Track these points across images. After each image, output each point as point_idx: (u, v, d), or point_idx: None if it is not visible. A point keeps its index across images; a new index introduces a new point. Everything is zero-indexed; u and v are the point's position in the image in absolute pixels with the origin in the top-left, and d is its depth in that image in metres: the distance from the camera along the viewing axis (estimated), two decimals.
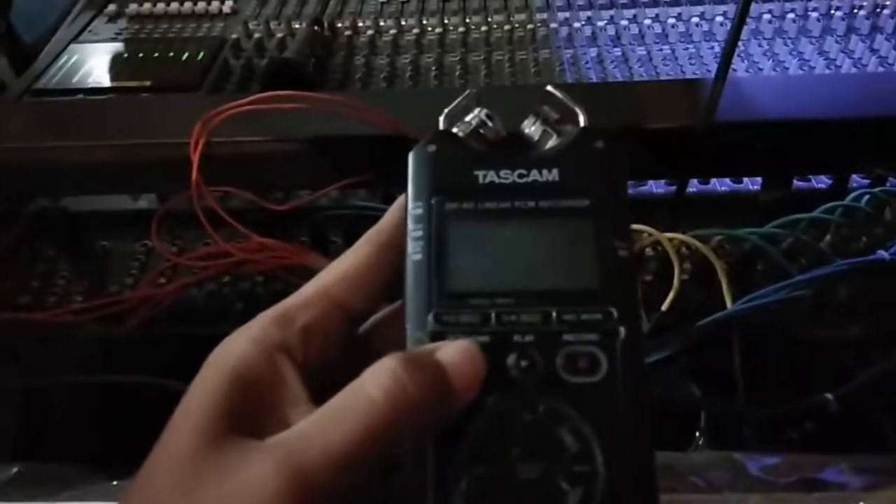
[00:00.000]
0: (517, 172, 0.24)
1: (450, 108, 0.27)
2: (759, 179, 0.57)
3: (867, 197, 0.48)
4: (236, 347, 0.22)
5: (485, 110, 0.26)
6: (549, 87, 0.27)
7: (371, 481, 0.20)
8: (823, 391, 0.43)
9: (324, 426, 0.19)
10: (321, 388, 0.21)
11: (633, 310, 0.22)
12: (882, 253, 0.44)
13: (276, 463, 0.19)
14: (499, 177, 0.24)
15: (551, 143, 0.26)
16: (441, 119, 0.26)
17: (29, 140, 0.54)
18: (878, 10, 0.74)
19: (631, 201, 0.24)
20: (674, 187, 0.53)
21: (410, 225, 0.24)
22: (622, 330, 0.22)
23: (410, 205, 0.24)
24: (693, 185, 0.57)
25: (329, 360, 0.23)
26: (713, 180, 0.59)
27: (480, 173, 0.24)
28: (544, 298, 0.22)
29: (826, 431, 0.46)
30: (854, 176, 0.55)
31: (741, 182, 0.58)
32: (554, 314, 0.22)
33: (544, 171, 0.24)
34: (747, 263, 0.49)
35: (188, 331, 0.49)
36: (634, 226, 0.48)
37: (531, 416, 0.21)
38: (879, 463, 0.33)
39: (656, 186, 0.59)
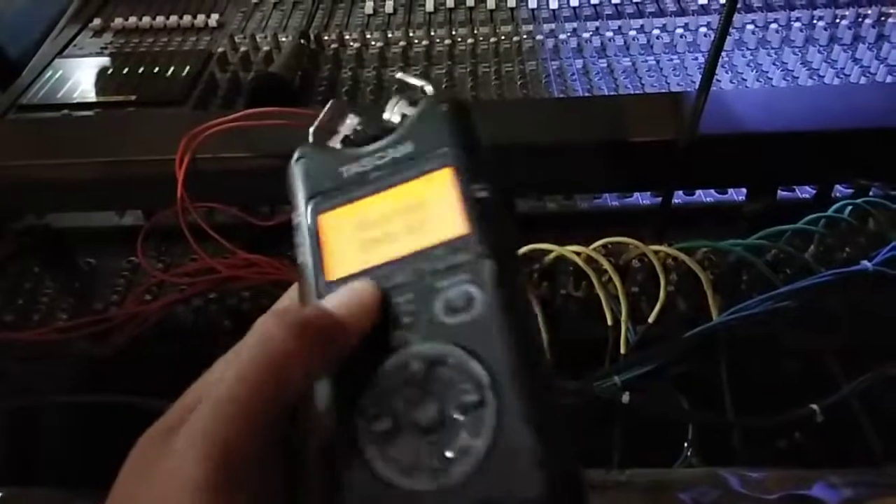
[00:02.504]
0: (376, 156, 0.26)
1: (316, 122, 0.28)
2: (743, 190, 0.57)
3: (850, 208, 0.48)
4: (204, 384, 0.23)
5: (356, 118, 0.28)
6: (398, 74, 0.29)
7: (277, 430, 0.21)
8: (810, 401, 0.43)
9: (218, 386, 0.21)
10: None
11: (501, 242, 0.23)
12: (865, 263, 0.45)
13: (186, 441, 0.20)
14: (360, 166, 0.26)
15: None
16: (310, 134, 0.28)
17: (14, 157, 0.53)
18: (860, 20, 0.74)
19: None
20: (659, 199, 0.54)
21: (295, 234, 0.26)
22: (490, 263, 0.23)
23: (293, 216, 0.26)
24: (678, 197, 0.57)
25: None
26: (698, 191, 0.59)
27: (344, 169, 0.26)
28: (419, 257, 0.24)
29: (814, 441, 0.46)
30: (838, 186, 0.56)
31: (726, 193, 0.59)
32: (426, 268, 0.23)
33: (399, 147, 0.26)
34: (733, 275, 0.49)
35: (175, 348, 0.49)
36: (621, 238, 0.48)
37: (421, 363, 0.22)
38: (864, 477, 0.34)
39: (642, 198, 0.59)
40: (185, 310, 0.50)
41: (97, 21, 0.84)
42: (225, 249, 0.50)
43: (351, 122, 0.28)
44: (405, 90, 0.28)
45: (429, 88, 0.28)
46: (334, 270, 0.24)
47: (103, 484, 0.21)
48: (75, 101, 0.71)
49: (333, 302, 0.23)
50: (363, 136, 0.28)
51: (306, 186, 0.26)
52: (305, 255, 0.25)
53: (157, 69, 0.75)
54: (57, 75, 0.76)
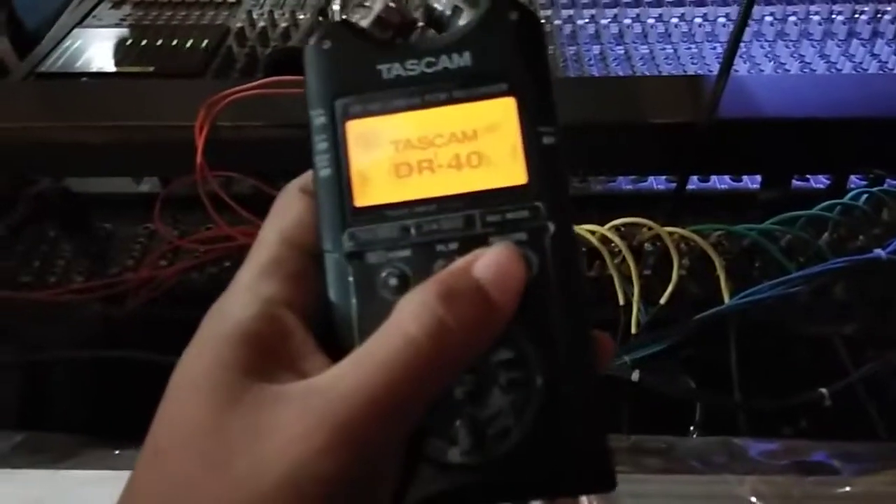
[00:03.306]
0: (425, 61, 0.21)
1: None
2: (758, 178, 0.58)
3: (865, 196, 0.48)
4: (231, 310, 0.20)
5: None
6: None
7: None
8: (818, 387, 0.43)
9: (363, 371, 0.18)
10: (323, 336, 0.20)
11: (563, 203, 0.21)
12: (879, 252, 0.45)
13: (314, 414, 0.17)
14: (405, 68, 0.22)
15: (463, 18, 0.24)
16: (335, 8, 0.24)
17: (33, 121, 0.54)
18: (879, 15, 0.74)
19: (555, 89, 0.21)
20: (674, 183, 0.54)
21: (314, 136, 0.22)
22: (551, 225, 0.20)
23: (311, 113, 0.22)
24: (693, 183, 0.57)
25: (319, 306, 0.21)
26: (713, 178, 0.59)
27: (384, 67, 0.22)
28: (466, 200, 0.21)
29: (819, 427, 0.46)
30: (852, 177, 0.56)
31: (741, 180, 0.59)
32: (477, 217, 0.20)
33: (455, 56, 0.21)
34: (746, 259, 0.50)
35: (188, 313, 0.49)
36: (635, 219, 0.48)
37: None
38: (872, 450, 0.34)
39: (656, 182, 0.59)
40: (198, 276, 0.51)
41: None
42: (240, 219, 0.51)
43: None
44: None
45: None
46: (365, 194, 0.21)
47: (115, 434, 0.21)
48: (93, 71, 0.71)
49: (487, 277, 0.19)
50: (399, 18, 0.25)
51: (334, 80, 0.22)
52: (327, 167, 0.21)
53: (175, 42, 0.75)
54: (76, 45, 0.76)
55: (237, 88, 0.47)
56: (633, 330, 0.46)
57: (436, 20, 0.23)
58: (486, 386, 0.19)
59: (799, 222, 0.48)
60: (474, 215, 0.21)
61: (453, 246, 0.20)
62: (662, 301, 0.47)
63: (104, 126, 0.52)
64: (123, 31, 0.78)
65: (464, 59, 0.22)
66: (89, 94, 0.59)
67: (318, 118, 0.22)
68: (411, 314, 0.18)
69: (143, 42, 0.76)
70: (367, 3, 0.24)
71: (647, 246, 0.51)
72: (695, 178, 0.58)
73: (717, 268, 0.47)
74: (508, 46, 0.22)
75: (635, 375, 0.43)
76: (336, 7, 0.24)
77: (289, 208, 0.22)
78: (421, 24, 0.24)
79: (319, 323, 0.21)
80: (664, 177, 0.59)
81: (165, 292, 0.50)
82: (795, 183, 0.56)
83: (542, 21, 0.23)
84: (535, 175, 0.21)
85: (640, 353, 0.45)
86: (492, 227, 0.20)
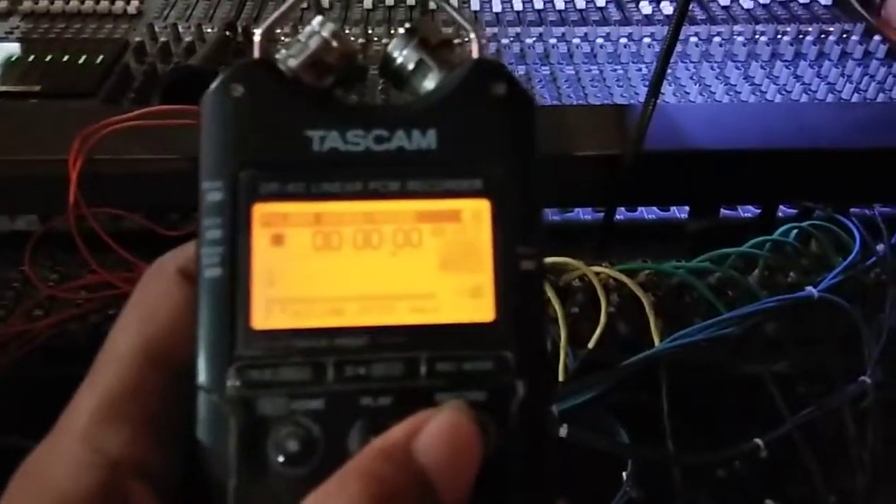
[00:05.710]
0: (374, 134, 0.16)
1: (271, 19, 0.18)
2: (686, 207, 0.56)
3: (795, 231, 0.47)
4: (54, 475, 0.14)
5: (328, 24, 0.18)
6: None
7: None
8: (752, 429, 0.41)
9: None
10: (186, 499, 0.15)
11: (538, 354, 0.16)
12: (811, 290, 0.43)
13: None
14: (345, 140, 0.16)
15: (430, 80, 0.17)
16: (256, 39, 0.17)
17: None
18: (801, 36, 0.74)
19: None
20: (601, 215, 0.51)
21: (203, 219, 0.16)
22: (521, 386, 0.15)
23: (203, 185, 0.16)
24: (620, 213, 0.55)
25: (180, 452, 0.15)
26: (640, 208, 0.57)
27: (316, 134, 0.16)
28: (409, 336, 0.15)
29: (754, 471, 0.44)
30: (782, 206, 0.55)
31: (669, 210, 0.57)
32: (423, 361, 0.15)
33: (415, 133, 0.16)
34: (674, 296, 0.47)
35: (67, 371, 0.44)
36: (559, 258, 0.45)
37: None
38: None
39: (583, 213, 0.57)
40: (79, 328, 0.45)
41: (3, 3, 0.77)
42: (128, 261, 0.45)
43: (321, 32, 0.17)
44: (424, 26, 0.18)
45: (475, 44, 0.17)
46: (267, 312, 0.15)
47: None
48: None
49: (433, 462, 0.14)
50: (341, 60, 0.17)
51: (242, 142, 0.16)
52: (217, 266, 0.16)
53: (66, 57, 0.69)
54: None
55: (115, 118, 0.42)
56: (561, 377, 0.43)
57: (392, 73, 0.18)
58: None
59: (729, 259, 0.46)
60: (418, 359, 0.15)
61: (385, 401, 0.15)
62: (591, 345, 0.45)
63: None
64: (10, 46, 0.71)
65: (427, 140, 0.16)
66: None
67: (213, 193, 0.16)
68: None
69: (32, 58, 0.69)
70: (301, 38, 0.17)
71: (575, 282, 0.48)
72: (622, 208, 0.56)
73: (646, 308, 0.45)
74: (489, 130, 0.16)
75: (563, 431, 0.40)
76: (256, 38, 0.17)
77: (160, 302, 0.16)
78: (372, 71, 0.19)
79: (183, 481, 0.15)
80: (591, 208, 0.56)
81: (41, 347, 0.44)
82: (724, 212, 0.55)
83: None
84: (506, 312, 0.16)
85: (568, 402, 0.42)
86: (440, 378, 0.15)
